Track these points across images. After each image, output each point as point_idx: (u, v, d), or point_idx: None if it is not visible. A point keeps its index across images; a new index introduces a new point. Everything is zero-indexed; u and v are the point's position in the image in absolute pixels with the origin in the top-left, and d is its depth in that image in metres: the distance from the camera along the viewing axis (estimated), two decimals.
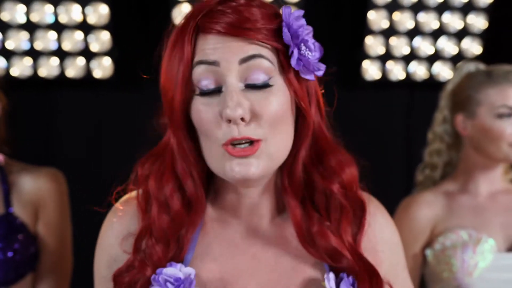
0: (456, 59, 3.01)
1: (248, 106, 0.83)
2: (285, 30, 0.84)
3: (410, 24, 2.90)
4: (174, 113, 0.87)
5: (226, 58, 0.83)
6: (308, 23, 0.91)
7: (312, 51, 0.87)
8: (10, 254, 1.51)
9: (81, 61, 2.86)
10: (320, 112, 0.92)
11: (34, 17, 2.77)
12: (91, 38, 2.84)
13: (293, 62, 0.85)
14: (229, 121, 0.82)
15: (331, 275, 0.87)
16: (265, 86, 0.84)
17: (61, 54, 2.83)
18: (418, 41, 2.94)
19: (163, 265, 0.86)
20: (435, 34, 2.96)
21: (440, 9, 2.93)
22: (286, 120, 0.87)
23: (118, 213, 0.95)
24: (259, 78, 0.84)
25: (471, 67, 1.82)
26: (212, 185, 0.94)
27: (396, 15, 2.89)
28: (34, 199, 1.60)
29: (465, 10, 2.94)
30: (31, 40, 2.79)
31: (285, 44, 0.86)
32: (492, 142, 1.67)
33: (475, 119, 1.71)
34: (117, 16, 2.87)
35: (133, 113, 3.04)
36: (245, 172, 0.83)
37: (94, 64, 2.88)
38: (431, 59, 2.99)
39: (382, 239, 0.95)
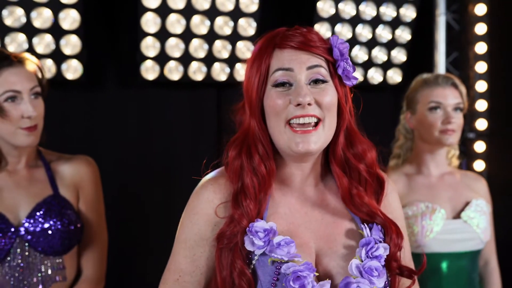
0: (386, 66, 3.51)
1: (312, 96, 1.18)
2: (335, 49, 1.22)
3: (349, 35, 3.36)
4: (252, 104, 1.21)
5: (298, 66, 1.19)
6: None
7: (350, 67, 1.24)
8: (66, 224, 1.74)
9: (52, 63, 3.03)
10: (351, 112, 1.28)
11: (7, 21, 2.90)
12: (63, 41, 3.02)
13: (340, 70, 1.22)
14: (298, 105, 1.16)
15: (365, 225, 1.22)
16: (322, 83, 1.20)
17: (33, 55, 2.97)
18: (356, 50, 3.41)
19: (254, 219, 1.16)
20: (370, 44, 3.44)
21: (373, 23, 3.41)
22: (334, 109, 1.22)
23: (211, 188, 1.23)
24: (319, 79, 1.20)
25: (419, 77, 2.26)
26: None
27: (338, 27, 3.33)
28: (74, 182, 1.84)
29: (394, 24, 3.44)
30: (3, 42, 2.92)
31: (334, 59, 1.22)
32: (427, 130, 2.11)
33: (416, 114, 2.16)
34: (87, 22, 3.07)
35: (100, 112, 3.26)
36: (307, 147, 1.17)
37: (64, 66, 3.06)
38: (366, 65, 3.47)
39: (394, 204, 1.33)
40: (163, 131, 3.35)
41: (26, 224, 1.72)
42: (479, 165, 3.47)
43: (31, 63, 1.80)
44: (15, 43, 2.96)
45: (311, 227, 1.23)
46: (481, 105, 3.47)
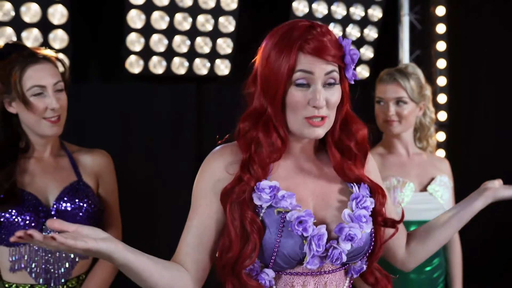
0: (356, 63, 3.76)
1: (326, 99, 1.36)
2: (347, 56, 1.38)
3: None
4: (277, 95, 1.36)
5: (318, 71, 1.34)
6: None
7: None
8: (92, 206, 1.93)
9: None
10: (348, 100, 1.47)
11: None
12: (51, 35, 3.16)
13: (349, 75, 1.40)
14: (315, 107, 1.35)
15: (354, 184, 1.45)
16: (334, 85, 1.37)
17: None
18: None
19: (261, 180, 1.35)
20: None
21: (344, 22, 3.66)
22: (336, 106, 1.40)
23: (221, 150, 1.42)
24: (331, 82, 1.37)
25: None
26: None
27: None
28: (95, 171, 2.02)
29: (362, 23, 3.70)
30: None
31: (344, 64, 1.38)
32: (377, 121, 2.35)
33: (375, 105, 2.40)
34: (74, 17, 3.21)
35: (85, 105, 3.40)
36: (317, 134, 1.37)
37: None
38: None
39: (373, 170, 1.56)
40: (146, 123, 3.51)
41: (56, 206, 1.89)
42: (440, 153, 3.75)
43: (55, 59, 1.95)
44: (4, 36, 3.08)
45: (308, 187, 1.43)
46: (442, 98, 3.76)
